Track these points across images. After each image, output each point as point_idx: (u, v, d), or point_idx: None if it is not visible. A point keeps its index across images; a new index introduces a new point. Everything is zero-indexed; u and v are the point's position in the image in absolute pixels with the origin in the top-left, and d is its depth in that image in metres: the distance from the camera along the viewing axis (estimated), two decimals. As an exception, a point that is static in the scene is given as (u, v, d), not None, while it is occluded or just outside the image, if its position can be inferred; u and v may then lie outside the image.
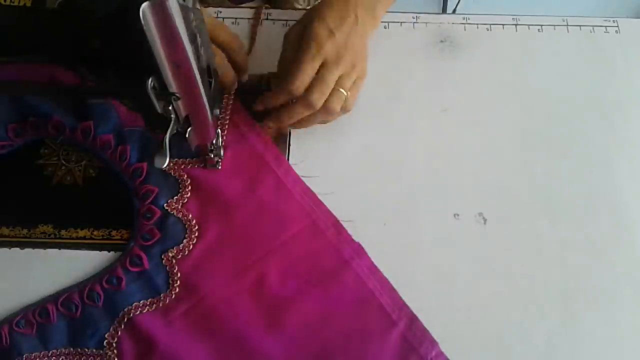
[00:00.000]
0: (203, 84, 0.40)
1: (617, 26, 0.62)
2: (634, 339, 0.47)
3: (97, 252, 0.50)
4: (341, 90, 0.49)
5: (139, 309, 0.47)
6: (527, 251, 0.51)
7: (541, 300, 0.49)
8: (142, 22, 0.32)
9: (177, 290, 0.47)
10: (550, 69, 0.60)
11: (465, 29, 0.62)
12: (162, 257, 0.49)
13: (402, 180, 0.53)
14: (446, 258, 0.50)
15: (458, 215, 0.52)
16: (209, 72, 0.45)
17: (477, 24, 0.62)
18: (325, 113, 0.50)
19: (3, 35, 0.36)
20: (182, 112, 0.42)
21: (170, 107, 0.39)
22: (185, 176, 0.52)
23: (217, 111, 0.50)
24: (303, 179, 0.53)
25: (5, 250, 0.50)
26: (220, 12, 0.63)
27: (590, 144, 0.56)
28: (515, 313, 0.48)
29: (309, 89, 0.48)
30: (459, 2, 0.80)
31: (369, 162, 0.54)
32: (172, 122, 0.41)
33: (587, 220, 0.52)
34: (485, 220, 0.52)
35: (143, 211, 0.50)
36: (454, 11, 0.74)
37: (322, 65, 0.48)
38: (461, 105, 0.57)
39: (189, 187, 0.51)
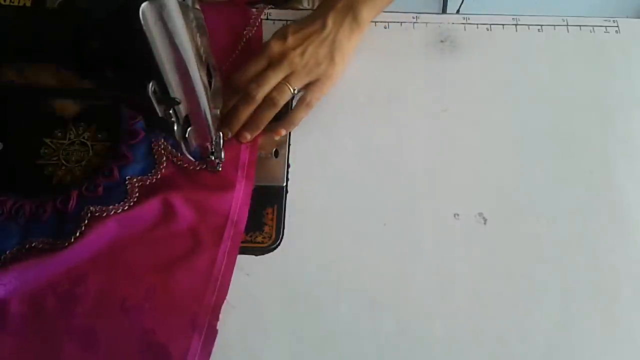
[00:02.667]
0: (203, 84, 0.40)
1: (617, 26, 0.62)
2: (634, 339, 0.47)
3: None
4: (287, 85, 0.52)
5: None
6: (527, 251, 0.51)
7: (541, 300, 0.49)
8: (142, 22, 0.32)
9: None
10: (550, 69, 0.60)
11: (465, 29, 0.62)
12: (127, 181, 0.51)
13: (402, 180, 0.53)
14: (446, 258, 0.50)
15: (458, 215, 0.52)
16: (209, 72, 0.45)
17: (477, 24, 0.62)
18: (270, 106, 0.52)
19: (3, 35, 0.36)
20: (182, 113, 0.42)
21: (170, 111, 0.39)
22: (164, 161, 0.52)
23: (217, 111, 0.50)
24: (303, 179, 0.53)
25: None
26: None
27: (590, 144, 0.56)
28: (515, 313, 0.48)
29: (250, 82, 0.52)
30: (462, 2, 0.80)
31: (369, 162, 0.54)
32: (176, 125, 0.41)
33: (587, 220, 0.52)
34: (485, 220, 0.52)
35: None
36: (457, 11, 0.74)
37: (268, 65, 0.53)
38: (461, 105, 0.57)
39: (159, 174, 0.52)
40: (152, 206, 0.50)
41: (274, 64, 0.53)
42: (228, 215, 0.50)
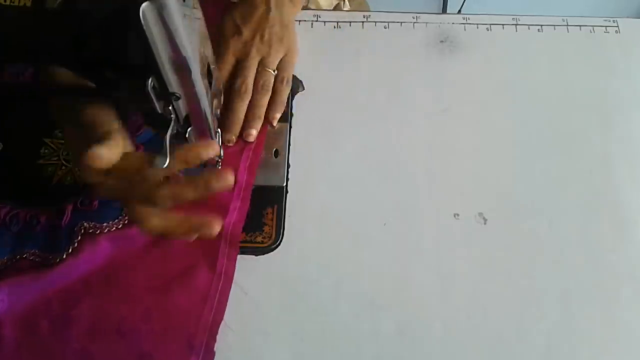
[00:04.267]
0: (203, 84, 0.40)
1: (617, 26, 0.62)
2: (634, 339, 0.47)
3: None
4: (267, 69, 0.55)
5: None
6: (527, 251, 0.51)
7: (541, 300, 0.49)
8: (142, 22, 0.32)
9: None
10: (550, 69, 0.60)
11: (465, 29, 0.62)
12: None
13: (402, 180, 0.53)
14: (446, 258, 0.50)
15: (458, 215, 0.52)
16: (209, 72, 0.45)
17: (477, 24, 0.62)
18: (262, 93, 0.54)
19: (3, 35, 0.36)
20: (182, 112, 0.42)
21: (170, 107, 0.39)
22: None
23: (217, 111, 0.50)
24: (303, 179, 0.53)
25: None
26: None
27: (590, 144, 0.56)
28: (515, 313, 0.48)
29: (230, 80, 0.54)
30: (464, 2, 0.80)
31: (369, 162, 0.54)
32: (172, 122, 0.41)
33: (587, 220, 0.52)
34: (485, 220, 0.52)
35: None
36: (459, 11, 0.74)
37: (237, 61, 0.55)
38: (461, 105, 0.57)
39: None
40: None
41: (243, 58, 0.55)
42: (222, 234, 0.49)
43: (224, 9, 0.57)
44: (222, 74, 0.54)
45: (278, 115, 0.55)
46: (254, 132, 0.54)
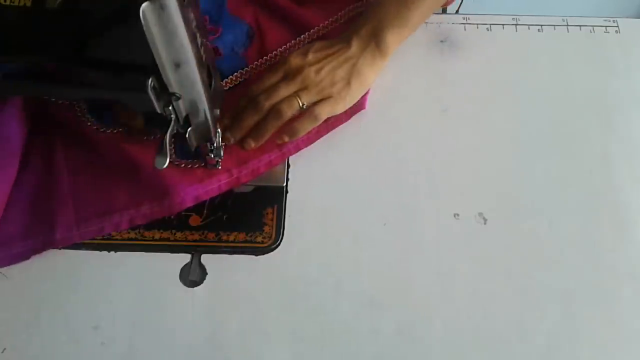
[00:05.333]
0: (203, 84, 0.40)
1: (617, 26, 0.62)
2: (634, 339, 0.47)
3: (97, 252, 0.50)
4: (296, 99, 0.52)
5: None
6: (527, 251, 0.51)
7: (541, 300, 0.49)
8: (142, 22, 0.32)
9: None
10: (550, 69, 0.60)
11: (465, 29, 0.62)
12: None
13: (402, 180, 0.53)
14: (446, 258, 0.50)
15: (458, 215, 0.52)
16: (209, 72, 0.45)
17: (477, 24, 0.62)
18: (276, 117, 0.52)
19: (3, 35, 0.36)
20: (182, 112, 0.42)
21: (170, 107, 0.39)
22: None
23: (217, 111, 0.50)
24: (303, 179, 0.54)
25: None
26: (220, 12, 0.63)
27: (590, 144, 0.56)
28: (515, 313, 0.48)
29: (261, 92, 0.53)
30: (462, 2, 0.80)
31: (369, 162, 0.54)
32: (172, 122, 0.41)
33: (587, 220, 0.52)
34: (485, 220, 0.52)
35: None
36: (457, 11, 0.73)
37: (282, 78, 0.53)
38: (461, 105, 0.57)
39: None
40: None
41: (288, 77, 0.53)
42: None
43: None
44: (262, 83, 0.53)
45: (286, 140, 0.53)
46: (252, 144, 0.53)
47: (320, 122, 0.53)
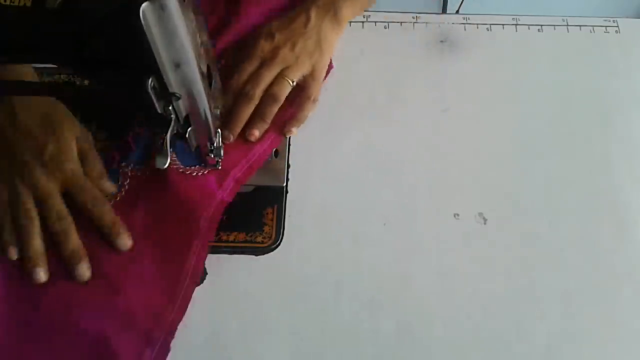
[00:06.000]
0: (203, 84, 0.40)
1: (617, 26, 0.62)
2: (634, 339, 0.47)
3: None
4: (285, 78, 0.53)
5: None
6: (527, 251, 0.51)
7: (541, 300, 0.49)
8: (142, 22, 0.32)
9: None
10: (550, 69, 0.60)
11: (465, 29, 0.62)
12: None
13: (402, 180, 0.53)
14: (446, 258, 0.50)
15: (458, 215, 0.52)
16: (209, 72, 0.45)
17: (477, 24, 0.62)
18: (272, 101, 0.53)
19: (3, 35, 0.36)
20: (182, 112, 0.42)
21: (170, 107, 0.39)
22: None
23: (217, 111, 0.50)
24: (303, 179, 0.53)
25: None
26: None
27: (590, 144, 0.56)
28: (515, 313, 0.48)
29: (245, 83, 0.53)
30: (462, 2, 0.80)
31: (369, 162, 0.54)
32: (173, 122, 0.41)
33: (587, 220, 0.52)
34: (485, 220, 0.52)
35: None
36: (457, 11, 0.73)
37: (261, 64, 0.54)
38: (461, 105, 0.57)
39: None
40: (135, 211, 0.50)
41: (266, 62, 0.54)
42: (195, 232, 0.49)
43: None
44: (242, 75, 0.54)
45: (294, 130, 0.54)
46: (256, 133, 0.53)
47: (318, 102, 0.56)
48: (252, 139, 0.53)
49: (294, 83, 0.54)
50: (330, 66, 0.58)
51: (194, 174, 0.51)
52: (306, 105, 0.55)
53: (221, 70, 0.53)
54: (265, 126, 0.54)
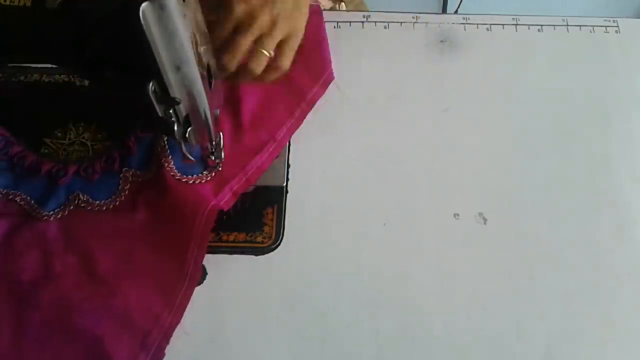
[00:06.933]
0: (203, 84, 0.40)
1: (617, 26, 0.62)
2: (634, 339, 0.47)
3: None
4: (262, 50, 0.47)
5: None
6: (527, 251, 0.51)
7: (541, 300, 0.49)
8: (142, 22, 0.32)
9: None
10: (550, 69, 0.60)
11: (465, 29, 0.62)
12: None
13: (402, 180, 0.53)
14: (446, 258, 0.50)
15: (458, 215, 0.52)
16: (209, 72, 0.45)
17: (477, 24, 0.62)
18: (246, 74, 0.48)
19: (3, 35, 0.36)
20: (182, 112, 0.42)
21: (171, 111, 0.39)
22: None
23: (217, 111, 0.50)
24: (303, 179, 0.53)
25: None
26: (220, 12, 0.63)
27: (590, 144, 0.56)
28: (515, 313, 0.48)
29: (221, 51, 0.47)
30: (461, 2, 0.80)
31: (369, 162, 0.54)
32: (176, 126, 0.41)
33: (587, 220, 0.52)
34: (485, 220, 0.52)
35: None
36: (456, 11, 0.74)
37: (235, 28, 0.47)
38: (461, 105, 0.57)
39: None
40: (133, 215, 0.50)
41: (242, 27, 0.47)
42: (192, 234, 0.49)
43: None
44: (214, 42, 0.47)
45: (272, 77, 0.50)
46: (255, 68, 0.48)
47: (286, 70, 0.50)
48: (249, 77, 0.49)
49: (271, 54, 0.48)
50: (331, 77, 0.57)
51: (191, 182, 0.51)
52: (272, 74, 0.50)
53: None
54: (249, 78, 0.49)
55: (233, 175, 0.52)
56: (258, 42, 0.47)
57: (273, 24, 0.48)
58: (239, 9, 0.47)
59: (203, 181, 0.51)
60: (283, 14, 0.48)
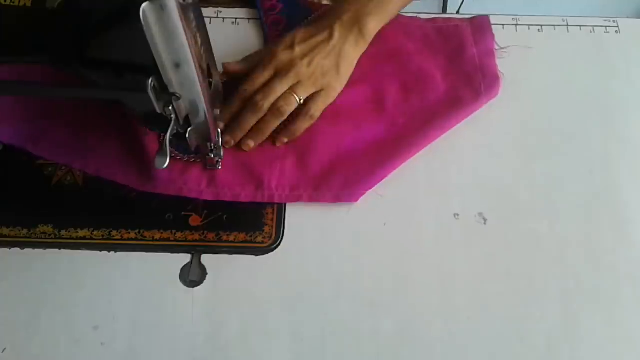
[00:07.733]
0: (203, 84, 0.40)
1: (617, 26, 0.62)
2: (634, 339, 0.47)
3: (97, 252, 0.50)
4: (293, 95, 0.52)
5: None
6: (527, 251, 0.51)
7: (541, 300, 0.49)
8: (142, 22, 0.32)
9: None
10: (550, 69, 0.60)
11: (465, 29, 0.62)
12: None
13: (402, 180, 0.53)
14: (446, 258, 0.50)
15: (458, 215, 0.52)
16: (209, 72, 0.46)
17: (477, 24, 0.62)
18: (277, 116, 0.52)
19: (3, 35, 0.36)
20: (182, 112, 0.42)
21: (170, 107, 0.39)
22: None
23: (217, 111, 0.50)
24: (303, 179, 0.53)
25: (5, 250, 0.50)
26: (220, 12, 0.63)
27: (590, 144, 0.56)
28: (515, 313, 0.48)
29: (256, 92, 0.52)
30: (462, 2, 0.80)
31: (369, 162, 0.54)
32: (172, 122, 0.41)
33: (587, 220, 0.52)
34: (485, 220, 0.52)
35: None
36: (457, 11, 0.74)
37: (274, 74, 0.53)
38: (461, 105, 0.57)
39: None
40: None
41: (280, 73, 0.52)
42: None
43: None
44: (255, 82, 0.53)
45: (285, 140, 0.54)
46: (251, 145, 0.53)
47: (316, 119, 0.54)
48: (246, 148, 0.53)
49: (301, 101, 0.52)
50: (496, 91, 0.57)
51: (185, 159, 0.53)
52: (303, 121, 0.53)
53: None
54: (262, 139, 0.53)
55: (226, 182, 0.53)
56: (291, 87, 0.52)
57: (309, 76, 0.53)
58: (282, 56, 0.53)
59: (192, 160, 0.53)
60: (320, 69, 0.53)
